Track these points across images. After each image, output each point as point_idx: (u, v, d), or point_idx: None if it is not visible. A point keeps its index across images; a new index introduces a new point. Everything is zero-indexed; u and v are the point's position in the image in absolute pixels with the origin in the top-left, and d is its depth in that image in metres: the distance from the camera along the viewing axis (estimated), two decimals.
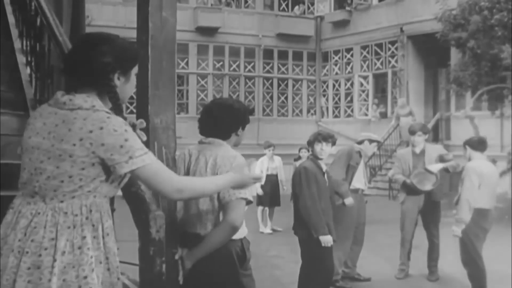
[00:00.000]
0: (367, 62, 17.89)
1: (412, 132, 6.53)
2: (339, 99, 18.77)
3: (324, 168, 4.98)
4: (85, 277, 1.82)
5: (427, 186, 6.19)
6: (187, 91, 17.55)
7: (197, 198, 2.20)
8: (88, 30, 5.18)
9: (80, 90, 1.94)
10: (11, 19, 5.03)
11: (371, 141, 6.24)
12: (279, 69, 18.78)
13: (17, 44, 4.72)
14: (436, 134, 15.74)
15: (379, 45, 17.42)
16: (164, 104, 2.66)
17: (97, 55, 1.91)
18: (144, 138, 2.07)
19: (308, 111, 19.29)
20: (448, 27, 11.86)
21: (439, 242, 6.31)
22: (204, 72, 17.80)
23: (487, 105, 13.88)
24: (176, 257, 2.59)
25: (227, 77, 18.06)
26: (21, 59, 4.57)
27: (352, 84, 18.30)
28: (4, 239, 1.87)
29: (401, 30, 16.50)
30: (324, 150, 4.93)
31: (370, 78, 17.84)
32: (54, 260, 1.80)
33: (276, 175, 9.75)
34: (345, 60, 18.50)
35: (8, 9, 5.12)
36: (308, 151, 5.61)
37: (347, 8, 18.25)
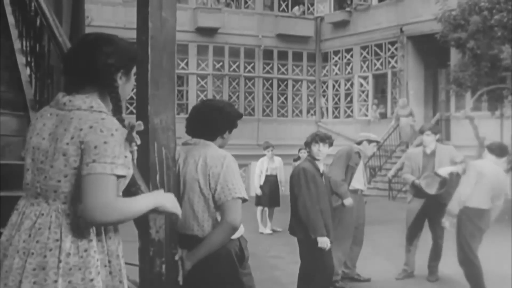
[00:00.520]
0: (367, 63, 17.89)
1: (421, 131, 6.53)
2: (339, 99, 18.78)
3: (322, 169, 4.98)
4: (91, 280, 1.83)
5: (435, 190, 6.16)
6: (187, 91, 17.56)
7: (121, 223, 2.05)
8: (88, 30, 5.16)
9: (82, 90, 1.95)
10: (11, 19, 5.03)
11: (370, 141, 6.23)
12: (279, 69, 18.79)
13: (17, 44, 4.72)
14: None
15: (379, 46, 17.43)
16: (164, 105, 2.66)
17: (101, 56, 1.92)
18: (139, 142, 2.07)
19: (308, 112, 19.29)
20: (448, 28, 11.87)
21: (442, 243, 6.30)
22: (204, 72, 17.80)
23: (487, 106, 13.89)
24: (176, 257, 2.59)
25: (227, 77, 18.07)
26: (21, 59, 4.57)
27: (352, 85, 18.31)
28: (9, 240, 1.87)
29: (401, 31, 16.51)
30: (321, 151, 4.93)
31: (370, 79, 17.85)
32: (59, 261, 1.80)
33: (276, 176, 9.77)
34: (345, 60, 18.50)
35: (8, 9, 5.12)
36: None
37: (347, 8, 18.27)
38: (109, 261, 1.92)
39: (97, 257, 1.86)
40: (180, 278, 2.60)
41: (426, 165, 6.29)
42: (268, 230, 9.68)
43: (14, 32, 4.87)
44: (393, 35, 16.81)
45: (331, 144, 5.06)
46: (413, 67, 16.68)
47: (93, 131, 1.83)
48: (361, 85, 18.08)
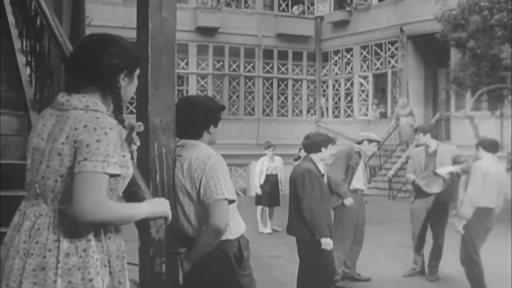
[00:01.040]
0: (367, 62, 17.89)
1: (415, 130, 6.61)
2: (339, 99, 18.78)
3: (322, 169, 5.02)
4: (91, 280, 1.83)
5: (434, 189, 6.17)
6: (187, 91, 17.55)
7: (110, 225, 1.97)
8: (88, 30, 5.17)
9: (84, 90, 1.95)
10: (11, 19, 5.03)
11: (370, 141, 6.21)
12: (279, 69, 18.79)
13: (17, 44, 4.72)
14: (436, 134, 15.75)
15: (379, 45, 17.42)
16: (164, 104, 2.66)
17: (105, 56, 1.93)
18: (138, 143, 2.07)
19: (308, 111, 19.29)
20: (448, 27, 11.86)
21: (443, 242, 6.30)
22: (204, 72, 17.80)
23: (487, 105, 13.89)
24: (181, 251, 2.59)
25: (227, 77, 18.06)
26: (21, 59, 4.57)
27: (352, 84, 18.31)
28: (12, 241, 1.88)
29: (401, 30, 16.51)
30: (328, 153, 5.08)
31: (370, 78, 17.85)
32: (58, 262, 1.81)
33: (276, 175, 9.76)
34: (345, 60, 18.50)
35: (8, 9, 5.12)
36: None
37: (347, 8, 18.27)
38: (109, 261, 1.92)
39: (96, 257, 1.86)
40: (180, 278, 2.60)
41: (428, 164, 6.31)
42: (268, 230, 9.68)
43: (14, 32, 4.87)
44: (393, 34, 16.81)
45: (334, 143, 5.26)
46: (413, 66, 16.68)
47: (86, 130, 1.83)
48: (361, 84, 18.08)
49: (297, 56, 19.03)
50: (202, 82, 17.82)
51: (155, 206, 2.09)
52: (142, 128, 2.06)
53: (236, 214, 2.80)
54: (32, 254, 1.81)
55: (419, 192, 6.29)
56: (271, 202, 9.70)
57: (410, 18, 16.08)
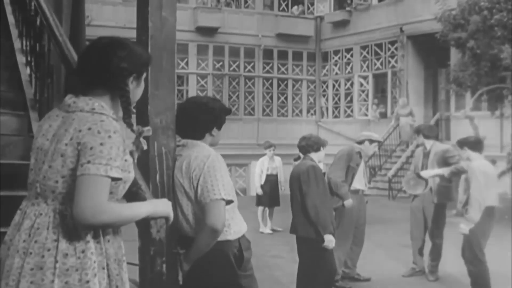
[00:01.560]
0: (367, 62, 17.89)
1: (415, 131, 6.65)
2: (339, 99, 18.78)
3: (323, 169, 5.05)
4: (88, 282, 1.83)
5: (418, 190, 6.23)
6: (187, 91, 17.55)
7: (111, 226, 1.96)
8: (88, 30, 5.17)
9: (92, 93, 1.96)
10: (11, 19, 5.03)
11: (371, 141, 6.19)
12: (279, 69, 18.78)
13: (17, 44, 4.72)
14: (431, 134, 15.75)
15: (379, 45, 17.42)
16: (164, 104, 2.66)
17: (116, 60, 1.94)
18: (145, 147, 2.07)
19: (308, 111, 19.29)
20: (448, 27, 11.87)
21: (441, 242, 6.30)
22: (204, 72, 17.80)
23: (487, 105, 13.89)
24: (181, 252, 2.59)
25: (227, 77, 18.06)
26: (21, 59, 4.57)
27: (352, 84, 18.30)
28: (12, 240, 1.88)
29: (401, 30, 16.51)
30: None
31: (370, 78, 17.85)
32: (56, 262, 1.81)
33: (276, 175, 9.76)
34: (345, 60, 18.50)
35: (8, 9, 5.12)
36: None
37: (347, 8, 18.26)
38: (107, 264, 1.92)
39: (94, 258, 1.86)
40: (179, 278, 2.60)
41: (424, 164, 6.34)
42: (268, 230, 9.68)
43: (14, 32, 4.87)
44: (393, 34, 16.80)
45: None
46: (413, 66, 16.68)
47: (90, 132, 1.84)
48: (361, 84, 18.07)
49: (297, 56, 19.03)
50: (202, 82, 17.82)
51: (156, 206, 2.09)
52: (150, 133, 2.07)
53: (237, 214, 2.78)
54: (31, 253, 1.82)
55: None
56: (271, 202, 9.70)
57: (410, 18, 16.07)
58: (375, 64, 17.66)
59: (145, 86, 2.61)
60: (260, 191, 9.57)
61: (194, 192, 2.64)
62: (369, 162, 16.15)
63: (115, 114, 1.98)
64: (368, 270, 6.40)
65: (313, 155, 5.01)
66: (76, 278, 1.82)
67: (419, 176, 6.21)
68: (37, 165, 1.93)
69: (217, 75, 17.96)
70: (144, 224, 2.22)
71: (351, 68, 18.30)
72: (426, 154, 6.37)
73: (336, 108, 18.91)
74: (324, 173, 5.04)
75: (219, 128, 2.85)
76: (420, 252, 6.44)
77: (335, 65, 18.85)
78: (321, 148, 5.08)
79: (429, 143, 6.40)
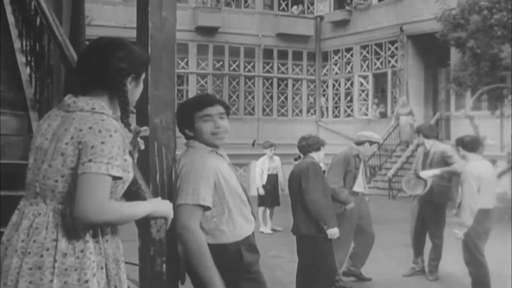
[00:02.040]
0: (367, 62, 17.89)
1: (416, 131, 6.63)
2: (339, 99, 18.78)
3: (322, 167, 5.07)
4: (86, 281, 1.83)
5: (418, 191, 6.21)
6: (187, 91, 17.55)
7: (113, 225, 1.97)
8: (88, 30, 5.17)
9: (91, 93, 1.97)
10: (10, 19, 5.02)
11: (371, 142, 6.04)
12: (279, 69, 18.78)
13: (16, 44, 4.71)
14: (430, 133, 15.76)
15: (379, 45, 17.42)
16: (164, 104, 2.66)
17: (114, 59, 1.95)
18: (142, 147, 2.07)
19: (308, 111, 19.29)
20: (448, 27, 11.87)
21: (440, 243, 6.29)
22: (204, 72, 17.80)
23: (487, 105, 13.90)
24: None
25: (227, 77, 18.06)
26: (20, 59, 4.57)
27: (352, 84, 18.30)
28: (10, 240, 1.88)
29: (401, 30, 16.51)
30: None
31: (370, 78, 17.85)
32: (55, 261, 1.81)
33: (276, 175, 9.76)
34: (345, 60, 18.50)
35: (8, 9, 5.12)
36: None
37: (347, 7, 18.27)
38: (106, 264, 1.92)
39: (93, 258, 1.86)
40: (182, 277, 2.60)
41: (424, 164, 6.34)
42: (268, 230, 9.68)
43: (14, 32, 4.86)
44: (393, 34, 16.80)
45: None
46: (413, 66, 16.68)
47: (91, 131, 1.84)
48: (361, 84, 18.07)
49: (297, 55, 19.03)
50: (202, 82, 17.82)
51: (156, 206, 2.10)
52: (147, 133, 2.07)
53: (235, 217, 2.67)
54: (29, 253, 1.82)
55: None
56: (271, 202, 9.70)
57: (410, 17, 16.08)
58: (375, 64, 17.66)
59: (145, 86, 2.61)
60: (262, 191, 9.56)
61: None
62: (369, 162, 16.14)
63: (114, 114, 1.98)
64: (368, 270, 6.40)
65: (314, 155, 5.04)
66: (75, 277, 1.82)
67: (418, 177, 6.21)
68: (36, 164, 1.93)
69: (217, 75, 17.96)
70: (144, 224, 2.22)
71: (351, 68, 18.30)
72: (426, 154, 6.37)
73: (336, 107, 18.91)
74: (324, 171, 5.05)
75: (192, 126, 2.74)
76: (420, 252, 6.44)
77: (335, 64, 18.85)
78: (321, 148, 5.10)
79: (429, 143, 6.39)
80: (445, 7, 12.04)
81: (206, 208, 2.57)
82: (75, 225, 1.85)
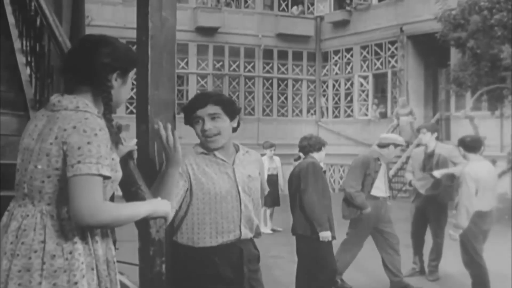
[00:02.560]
0: (367, 62, 17.89)
1: (418, 130, 6.54)
2: (339, 99, 18.78)
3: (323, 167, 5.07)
4: (76, 283, 1.81)
5: (430, 191, 6.16)
6: (187, 91, 17.55)
7: (110, 227, 1.99)
8: (88, 30, 5.17)
9: (77, 91, 1.96)
10: (11, 19, 5.02)
11: (396, 145, 5.79)
12: (279, 69, 18.79)
13: (17, 44, 4.71)
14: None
15: (379, 45, 17.42)
16: (164, 104, 2.65)
17: (97, 56, 1.93)
18: (124, 143, 2.05)
19: (308, 111, 19.29)
20: (448, 27, 11.86)
21: (442, 242, 6.29)
22: (204, 72, 17.80)
23: (487, 105, 13.89)
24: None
25: (227, 77, 18.06)
26: (21, 59, 4.57)
27: (352, 84, 18.30)
28: None
29: (401, 30, 16.51)
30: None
31: (370, 78, 17.85)
32: (43, 263, 1.80)
33: (276, 175, 9.75)
34: (345, 60, 18.50)
35: (8, 9, 5.12)
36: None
37: (347, 8, 18.27)
38: (96, 265, 1.91)
39: (81, 260, 1.84)
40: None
41: (426, 164, 6.31)
42: (268, 230, 9.68)
43: (14, 32, 4.86)
44: (393, 34, 16.80)
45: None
46: (413, 66, 16.68)
47: (76, 131, 1.82)
48: (361, 84, 18.07)
49: (297, 56, 19.03)
50: (202, 82, 17.83)
51: (156, 206, 2.08)
52: (128, 129, 2.05)
53: (194, 221, 2.57)
54: (18, 255, 1.80)
55: (418, 192, 6.31)
56: (271, 202, 9.70)
57: (410, 18, 16.08)
58: (375, 64, 17.66)
59: (145, 86, 2.62)
60: None
61: None
62: None
63: (99, 112, 1.96)
64: (368, 270, 6.40)
65: (315, 155, 5.04)
66: (64, 279, 1.81)
67: (432, 176, 6.15)
68: (23, 165, 1.92)
69: (217, 75, 17.96)
70: (143, 224, 2.22)
71: (351, 68, 18.30)
72: (431, 154, 6.30)
73: (336, 108, 18.91)
74: (324, 172, 5.05)
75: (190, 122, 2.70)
76: (420, 252, 6.44)
77: (335, 65, 18.85)
78: (322, 148, 5.10)
79: (433, 143, 6.35)
80: (445, 7, 12.03)
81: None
82: (62, 226, 1.84)
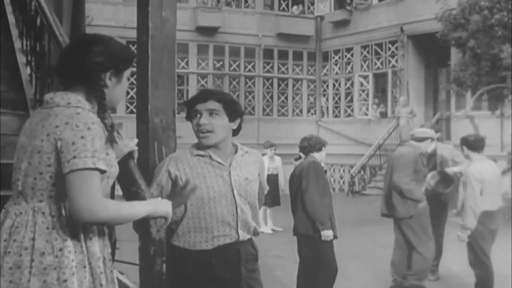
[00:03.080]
0: (367, 62, 17.88)
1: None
2: (339, 98, 18.77)
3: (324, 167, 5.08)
4: (65, 281, 1.81)
5: (443, 188, 6.13)
6: (187, 91, 17.55)
7: (111, 225, 2.00)
8: (88, 30, 5.18)
9: (71, 89, 1.96)
10: (11, 18, 5.02)
11: (432, 139, 5.83)
12: (279, 68, 18.78)
13: (17, 44, 4.72)
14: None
15: (379, 45, 17.41)
16: (164, 104, 2.66)
17: (90, 55, 1.93)
18: (119, 142, 2.05)
19: (308, 111, 19.29)
20: (448, 27, 11.86)
21: (442, 240, 6.28)
22: (204, 72, 17.80)
23: (487, 105, 13.89)
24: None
25: (227, 77, 18.06)
26: (21, 59, 4.57)
27: (352, 84, 18.30)
28: None
29: (401, 30, 16.50)
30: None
31: (370, 78, 17.84)
32: (33, 260, 1.80)
33: (277, 175, 9.76)
34: (345, 59, 18.50)
35: (8, 8, 5.12)
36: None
37: (347, 7, 18.26)
38: (90, 263, 1.90)
39: (72, 257, 1.84)
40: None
41: (428, 164, 6.29)
42: (268, 230, 9.68)
43: (14, 32, 4.87)
44: (393, 34, 16.79)
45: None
46: (414, 66, 16.67)
47: (68, 127, 1.82)
48: (362, 84, 18.06)
49: (298, 55, 19.02)
50: (202, 82, 17.82)
51: (156, 205, 2.08)
52: (122, 127, 2.05)
53: (184, 223, 2.55)
54: (9, 252, 1.81)
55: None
56: (272, 202, 9.70)
57: (411, 17, 16.07)
58: (376, 64, 17.65)
59: (145, 86, 2.63)
60: None
61: None
62: (369, 162, 16.17)
63: (93, 109, 1.96)
64: (368, 270, 6.40)
65: (315, 155, 5.04)
66: (54, 277, 1.80)
67: (443, 174, 6.12)
68: (18, 163, 1.93)
69: (217, 75, 17.96)
70: (144, 224, 2.22)
71: (352, 68, 18.29)
72: (431, 154, 6.25)
73: (336, 107, 18.90)
74: (325, 171, 5.06)
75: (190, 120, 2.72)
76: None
77: (336, 64, 18.84)
78: (323, 148, 5.11)
79: (434, 143, 6.34)
80: (445, 7, 12.03)
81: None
82: (53, 224, 1.84)
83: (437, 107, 16.96)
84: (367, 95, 17.93)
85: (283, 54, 18.79)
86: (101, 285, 1.91)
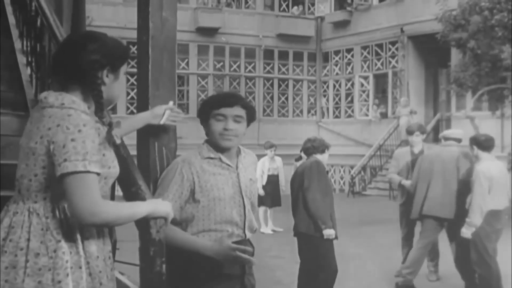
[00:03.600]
0: (367, 63, 17.89)
1: (410, 132, 6.51)
2: (340, 99, 18.78)
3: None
4: (59, 282, 1.81)
5: None
6: (188, 91, 17.56)
7: (111, 226, 1.99)
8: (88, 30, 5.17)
9: (67, 89, 1.95)
10: (11, 19, 5.03)
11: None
12: (279, 69, 18.79)
13: (17, 44, 4.72)
14: (436, 134, 15.75)
15: (380, 46, 17.42)
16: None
17: (85, 53, 1.91)
18: (118, 141, 2.04)
19: (309, 112, 19.30)
20: (449, 28, 11.88)
21: (437, 241, 6.28)
22: (204, 72, 17.81)
23: (488, 106, 13.90)
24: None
25: (228, 77, 18.07)
26: (21, 59, 4.57)
27: (352, 85, 18.31)
28: None
29: (402, 31, 16.52)
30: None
31: (371, 79, 17.85)
32: (27, 261, 1.80)
33: (277, 176, 9.77)
34: (345, 60, 18.50)
35: (9, 9, 5.12)
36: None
37: (348, 8, 18.27)
38: (88, 263, 1.89)
39: (66, 258, 1.83)
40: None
41: (415, 165, 6.29)
42: (269, 230, 9.69)
43: (14, 32, 4.87)
44: (393, 35, 16.81)
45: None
46: (414, 67, 16.68)
47: (60, 129, 1.82)
48: (362, 85, 18.08)
49: (298, 56, 19.03)
50: (203, 83, 17.83)
51: (156, 206, 2.08)
52: (120, 126, 2.03)
53: (193, 224, 2.55)
54: (5, 251, 1.82)
55: (409, 193, 6.24)
56: (272, 202, 9.71)
57: (411, 18, 16.08)
58: (376, 65, 17.66)
59: (145, 86, 2.63)
60: (262, 192, 9.57)
61: None
62: (370, 162, 16.17)
63: (89, 109, 1.95)
64: (368, 270, 6.41)
65: (318, 157, 5.04)
66: (49, 278, 1.81)
67: None
68: (18, 163, 1.94)
69: (217, 76, 17.97)
70: (144, 224, 2.22)
71: (352, 69, 18.30)
72: (418, 155, 6.23)
73: (336, 108, 18.91)
74: (327, 172, 5.08)
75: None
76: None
77: (336, 65, 18.85)
78: (326, 150, 5.13)
79: (421, 144, 6.37)
80: (445, 7, 12.05)
81: None
82: (47, 225, 1.84)
83: (437, 108, 16.98)
84: (368, 95, 17.94)
85: (283, 55, 18.80)
86: (100, 284, 1.91)
